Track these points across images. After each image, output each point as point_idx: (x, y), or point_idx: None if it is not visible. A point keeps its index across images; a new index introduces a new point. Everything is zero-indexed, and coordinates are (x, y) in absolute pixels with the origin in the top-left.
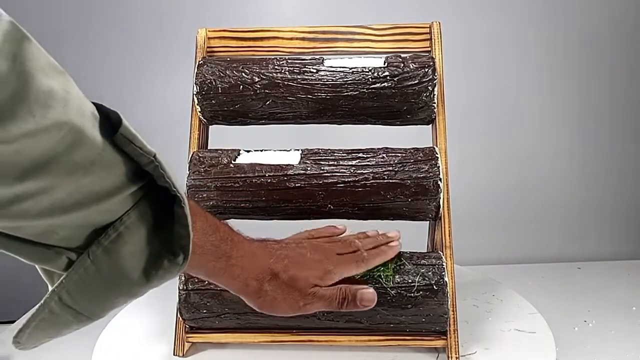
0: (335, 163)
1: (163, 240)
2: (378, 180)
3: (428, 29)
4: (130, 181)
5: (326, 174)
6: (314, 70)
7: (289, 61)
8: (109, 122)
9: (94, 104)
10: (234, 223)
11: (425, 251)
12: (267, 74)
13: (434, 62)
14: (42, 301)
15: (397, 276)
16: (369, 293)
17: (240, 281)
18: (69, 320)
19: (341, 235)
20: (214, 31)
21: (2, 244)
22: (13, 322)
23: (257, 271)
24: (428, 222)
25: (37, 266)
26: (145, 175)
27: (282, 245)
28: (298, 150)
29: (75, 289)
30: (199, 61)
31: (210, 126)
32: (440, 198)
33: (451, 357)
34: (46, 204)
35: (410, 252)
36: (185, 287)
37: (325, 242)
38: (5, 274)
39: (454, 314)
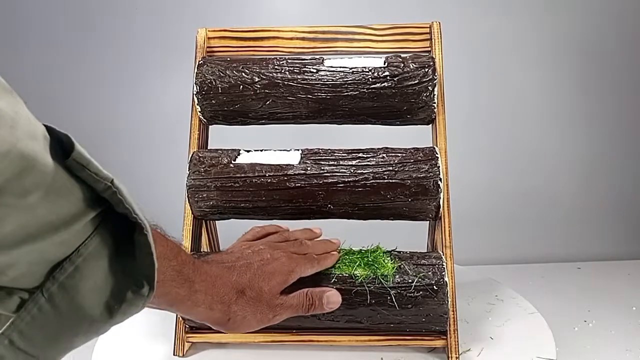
0: (335, 163)
1: (125, 271)
2: (378, 180)
3: (428, 29)
4: (87, 209)
5: (326, 174)
6: (314, 70)
7: (289, 61)
8: (61, 146)
9: (45, 126)
10: (234, 223)
11: (425, 251)
12: (267, 74)
13: (434, 62)
14: None
15: (397, 276)
16: (333, 295)
17: (205, 307)
18: None
19: (288, 234)
20: (214, 31)
21: None
22: None
23: (222, 294)
24: (428, 222)
25: None
26: (102, 202)
27: (240, 256)
28: (298, 150)
29: (28, 330)
30: (199, 61)
31: (210, 126)
32: (440, 198)
33: (451, 357)
34: None
35: (410, 252)
36: None
37: (280, 243)
38: None
39: (454, 314)
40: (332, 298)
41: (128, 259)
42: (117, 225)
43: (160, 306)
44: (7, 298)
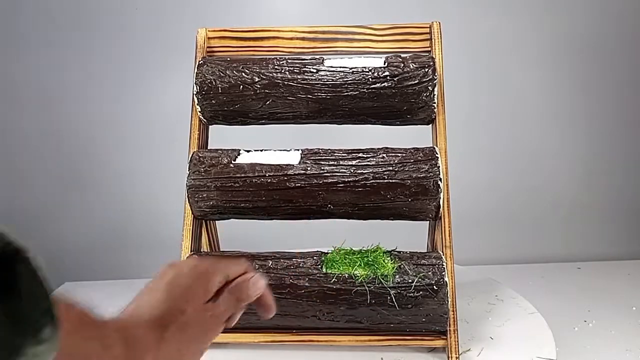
0: (336, 163)
1: (14, 325)
2: (378, 180)
3: (428, 29)
4: None
5: (326, 174)
6: (314, 70)
7: (289, 61)
8: None
9: None
10: (234, 223)
11: (425, 251)
12: (267, 73)
13: (434, 62)
14: None
15: (397, 276)
16: (256, 282)
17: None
18: None
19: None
20: (214, 31)
21: None
22: None
23: (142, 339)
24: (428, 222)
25: None
26: None
27: (145, 294)
28: (298, 150)
29: None
30: (199, 61)
31: (210, 126)
32: (440, 198)
33: (451, 357)
34: None
35: (410, 252)
36: None
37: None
38: None
39: (454, 314)
40: (255, 285)
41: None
42: None
43: None
44: None
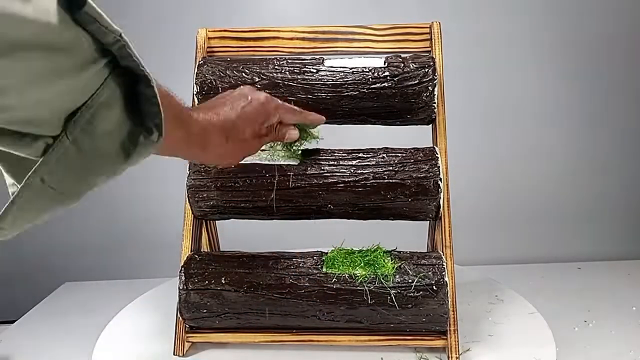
0: (336, 163)
1: (136, 119)
2: (378, 180)
3: (428, 29)
4: (96, 59)
5: (326, 174)
6: (314, 70)
7: (289, 61)
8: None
9: None
10: (234, 223)
11: (425, 251)
12: (267, 74)
13: (434, 62)
14: (23, 183)
15: (397, 276)
16: (293, 133)
17: (199, 149)
18: (48, 202)
19: None
20: (214, 31)
21: None
22: (13, 322)
23: (212, 138)
24: (428, 222)
25: (2, 169)
26: (109, 55)
27: (225, 100)
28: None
29: (57, 169)
30: (199, 61)
31: None
32: (440, 198)
33: (451, 357)
34: (15, 81)
35: (410, 252)
36: (185, 287)
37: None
38: (4, 274)
39: (454, 314)
40: (292, 134)
41: (136, 109)
42: (124, 78)
43: (162, 151)
44: (33, 143)
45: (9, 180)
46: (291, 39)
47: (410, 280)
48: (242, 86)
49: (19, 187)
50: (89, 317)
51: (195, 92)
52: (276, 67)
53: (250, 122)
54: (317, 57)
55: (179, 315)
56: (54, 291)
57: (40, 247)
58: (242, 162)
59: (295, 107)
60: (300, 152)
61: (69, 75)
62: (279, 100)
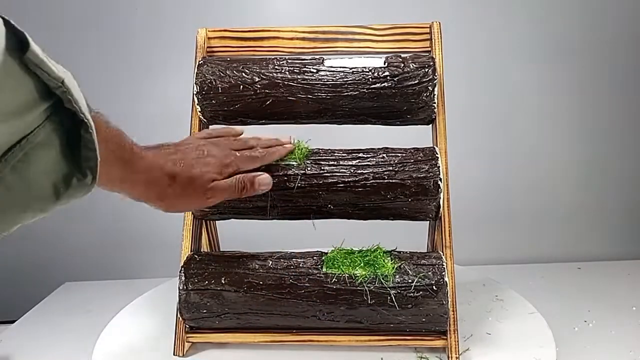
0: (336, 163)
1: (72, 160)
2: (378, 180)
3: (428, 29)
4: (39, 100)
5: (326, 174)
6: (314, 70)
7: (289, 61)
8: (18, 40)
9: (2, 18)
10: (234, 223)
11: (425, 251)
12: (267, 74)
13: (434, 62)
14: None
15: (397, 276)
16: (264, 177)
17: (142, 188)
18: None
19: (238, 137)
20: (214, 31)
21: None
22: (13, 322)
23: (157, 177)
24: (428, 222)
25: None
26: (54, 95)
27: (177, 149)
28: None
29: None
30: (199, 61)
31: (210, 126)
32: (440, 198)
33: (451, 357)
34: None
35: (410, 252)
36: (185, 287)
37: (222, 140)
38: (4, 274)
39: (454, 314)
40: (263, 180)
41: (74, 149)
42: (66, 118)
43: (104, 187)
44: None
45: None
46: (291, 39)
47: (410, 281)
48: (196, 136)
49: None
50: (89, 317)
51: (195, 92)
52: (276, 67)
53: (200, 170)
54: (317, 57)
55: (179, 315)
56: (54, 291)
57: (40, 247)
58: None
59: (256, 154)
60: (301, 152)
61: (13, 114)
62: (236, 153)
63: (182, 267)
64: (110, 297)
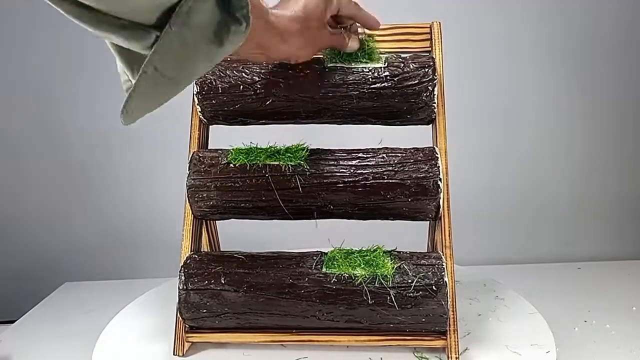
0: (335, 163)
1: (226, 12)
2: (378, 180)
3: (428, 29)
4: None
5: (326, 174)
6: (314, 70)
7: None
8: None
9: None
10: (234, 223)
11: (425, 251)
12: (267, 73)
13: (434, 62)
14: (140, 71)
15: (397, 276)
16: (355, 39)
17: (277, 38)
18: (161, 89)
19: None
20: None
21: (104, 24)
22: (13, 322)
23: (288, 27)
24: (428, 222)
25: (119, 63)
26: None
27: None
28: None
29: (165, 57)
30: None
31: (210, 126)
32: (440, 198)
33: (451, 357)
34: None
35: (410, 252)
36: (185, 287)
37: None
38: (5, 274)
39: (453, 314)
40: (354, 41)
41: (226, 3)
42: None
43: (247, 44)
44: (146, 34)
45: (123, 76)
46: None
47: (410, 281)
48: None
49: (137, 76)
50: (89, 317)
51: (195, 92)
52: (276, 67)
53: (313, 10)
54: (318, 56)
55: (178, 315)
56: (54, 291)
57: (39, 248)
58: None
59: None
60: (302, 152)
61: None
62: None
63: (182, 267)
64: (110, 297)
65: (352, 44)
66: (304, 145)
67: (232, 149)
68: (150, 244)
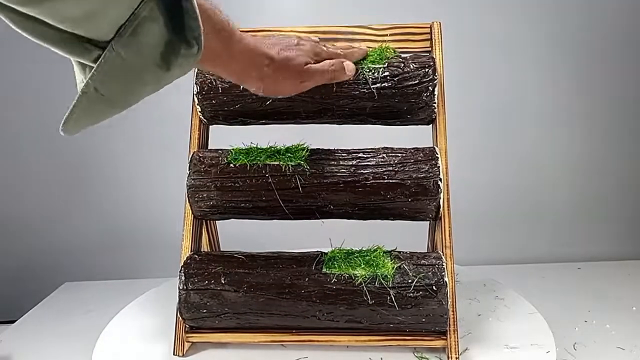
0: (336, 163)
1: (177, 33)
2: (378, 180)
3: (428, 29)
4: None
5: (326, 174)
6: None
7: None
8: None
9: None
10: (234, 223)
11: (425, 251)
12: None
13: (434, 62)
14: (79, 92)
15: (397, 276)
16: (350, 64)
17: (239, 67)
18: (101, 108)
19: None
20: None
21: (47, 35)
22: (13, 322)
23: (255, 59)
24: (428, 222)
25: (74, 65)
26: None
27: (271, 37)
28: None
29: (106, 78)
30: None
31: (210, 126)
32: (440, 198)
33: (451, 357)
34: None
35: (410, 252)
36: (185, 287)
37: (307, 37)
38: (5, 274)
39: (453, 314)
40: (349, 66)
41: (178, 24)
42: None
43: (204, 65)
44: (88, 52)
45: (79, 77)
46: None
47: (410, 281)
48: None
49: (78, 93)
50: (89, 317)
51: (195, 92)
52: None
53: (295, 52)
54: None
55: (178, 315)
56: (54, 291)
57: (40, 248)
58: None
59: (338, 51)
60: (302, 152)
61: None
62: (323, 46)
63: (182, 267)
64: (111, 297)
65: (348, 72)
66: (304, 145)
67: (233, 149)
68: (150, 244)
